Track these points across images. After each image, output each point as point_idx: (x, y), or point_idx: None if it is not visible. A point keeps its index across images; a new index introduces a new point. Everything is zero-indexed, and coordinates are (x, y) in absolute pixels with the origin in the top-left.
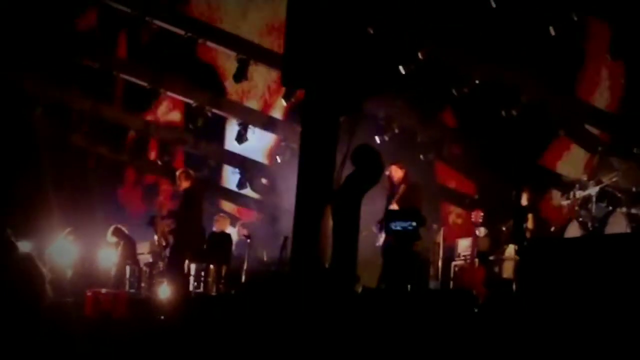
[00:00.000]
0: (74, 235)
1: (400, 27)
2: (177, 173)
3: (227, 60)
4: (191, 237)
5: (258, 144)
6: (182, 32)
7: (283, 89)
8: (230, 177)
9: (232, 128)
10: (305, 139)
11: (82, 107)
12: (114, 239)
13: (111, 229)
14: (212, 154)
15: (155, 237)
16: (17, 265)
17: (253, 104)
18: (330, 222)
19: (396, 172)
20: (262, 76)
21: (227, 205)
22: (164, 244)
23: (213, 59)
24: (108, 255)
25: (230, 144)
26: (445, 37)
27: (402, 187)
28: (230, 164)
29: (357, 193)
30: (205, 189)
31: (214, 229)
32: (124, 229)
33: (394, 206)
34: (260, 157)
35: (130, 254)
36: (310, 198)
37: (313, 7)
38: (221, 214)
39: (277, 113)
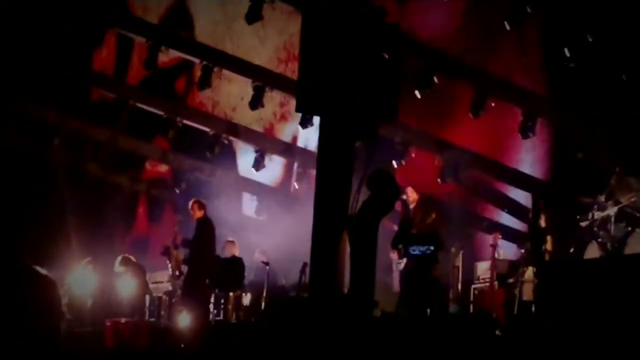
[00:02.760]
0: (93, 264)
1: (417, 53)
2: (190, 203)
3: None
4: (206, 265)
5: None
6: (197, 60)
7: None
8: (249, 204)
9: (243, 154)
10: (321, 165)
11: (98, 137)
12: (121, 269)
13: (119, 258)
14: (228, 181)
15: (169, 267)
16: (39, 292)
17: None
18: (348, 247)
19: (412, 194)
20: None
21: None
22: (177, 273)
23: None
24: (127, 285)
25: (244, 170)
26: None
27: (421, 209)
28: (246, 190)
29: (374, 218)
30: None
31: (224, 254)
32: (131, 257)
33: (414, 230)
34: (270, 182)
35: (141, 282)
36: (327, 224)
37: (327, 34)
38: (229, 239)
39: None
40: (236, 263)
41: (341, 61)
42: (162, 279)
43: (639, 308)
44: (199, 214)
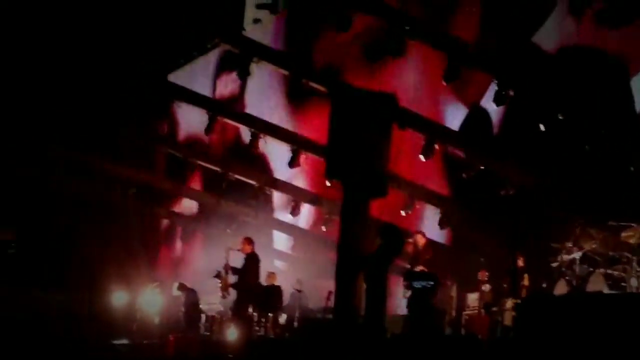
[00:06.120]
0: (159, 288)
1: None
2: (241, 239)
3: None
4: (251, 291)
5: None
6: (247, 128)
7: None
8: (279, 240)
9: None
10: (344, 217)
11: (165, 187)
12: (179, 293)
13: (176, 284)
14: (267, 223)
15: (219, 288)
16: None
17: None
18: (364, 284)
19: (420, 240)
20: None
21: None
22: (225, 295)
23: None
24: (181, 305)
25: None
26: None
27: (427, 251)
28: (280, 230)
29: (384, 262)
30: None
31: (266, 283)
32: (186, 283)
33: (421, 266)
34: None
35: (193, 302)
36: (347, 263)
37: (348, 116)
38: (271, 271)
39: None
40: (275, 291)
41: (359, 137)
42: (215, 301)
43: (596, 335)
44: (247, 248)
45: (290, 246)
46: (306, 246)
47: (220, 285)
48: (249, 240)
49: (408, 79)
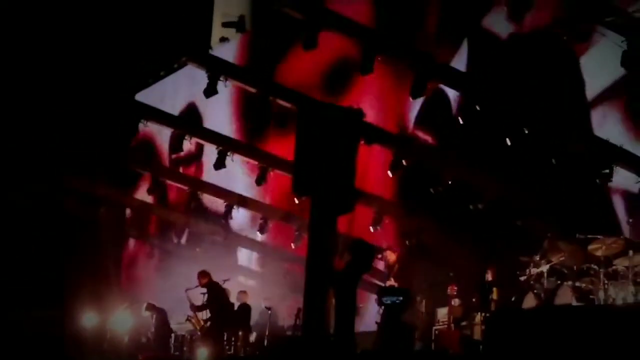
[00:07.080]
0: (130, 308)
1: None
2: (196, 274)
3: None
4: (225, 316)
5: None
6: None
7: None
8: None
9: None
10: (312, 233)
11: (136, 206)
12: (147, 313)
13: (144, 305)
14: (238, 242)
15: (196, 330)
16: None
17: None
18: (333, 300)
19: (390, 256)
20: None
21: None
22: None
23: None
24: (151, 325)
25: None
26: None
27: (396, 266)
28: (250, 249)
29: (354, 278)
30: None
31: (237, 302)
32: (154, 303)
33: (392, 282)
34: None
35: (164, 323)
36: (316, 279)
37: (315, 133)
38: (242, 290)
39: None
40: (246, 309)
41: (326, 153)
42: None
43: (565, 348)
44: (203, 280)
45: (255, 262)
46: (272, 262)
47: (195, 326)
48: (203, 274)
49: (372, 90)
